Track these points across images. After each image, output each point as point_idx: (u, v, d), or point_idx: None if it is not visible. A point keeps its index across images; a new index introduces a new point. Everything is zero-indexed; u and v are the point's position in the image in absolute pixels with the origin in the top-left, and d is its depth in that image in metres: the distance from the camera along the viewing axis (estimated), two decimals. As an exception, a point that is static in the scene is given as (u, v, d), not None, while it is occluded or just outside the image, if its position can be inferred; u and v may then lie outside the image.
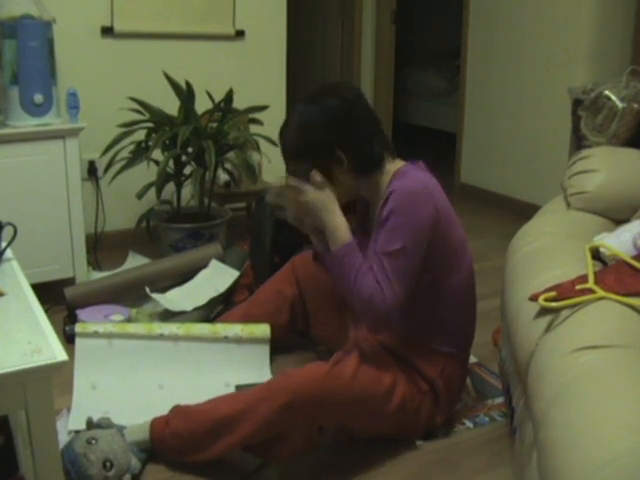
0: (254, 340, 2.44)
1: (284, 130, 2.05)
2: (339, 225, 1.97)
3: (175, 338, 2.40)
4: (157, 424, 1.99)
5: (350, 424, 2.02)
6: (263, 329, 2.46)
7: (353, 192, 2.09)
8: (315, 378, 1.89)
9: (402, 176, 1.98)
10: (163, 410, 2.05)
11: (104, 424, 1.98)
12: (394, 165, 2.05)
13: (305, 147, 2.00)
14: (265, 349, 2.44)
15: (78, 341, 2.36)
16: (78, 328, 2.40)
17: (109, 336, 2.37)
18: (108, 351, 2.35)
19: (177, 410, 2.00)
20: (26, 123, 2.93)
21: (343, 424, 2.01)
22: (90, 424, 1.97)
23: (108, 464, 1.87)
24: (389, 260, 1.90)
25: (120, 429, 1.98)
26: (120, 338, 2.37)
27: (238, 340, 2.43)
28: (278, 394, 1.87)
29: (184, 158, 3.44)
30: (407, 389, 2.04)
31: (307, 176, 1.99)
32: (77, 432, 2.00)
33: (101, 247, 3.63)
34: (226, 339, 2.43)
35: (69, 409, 2.21)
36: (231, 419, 1.89)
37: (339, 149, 1.97)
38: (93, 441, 1.90)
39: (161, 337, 2.39)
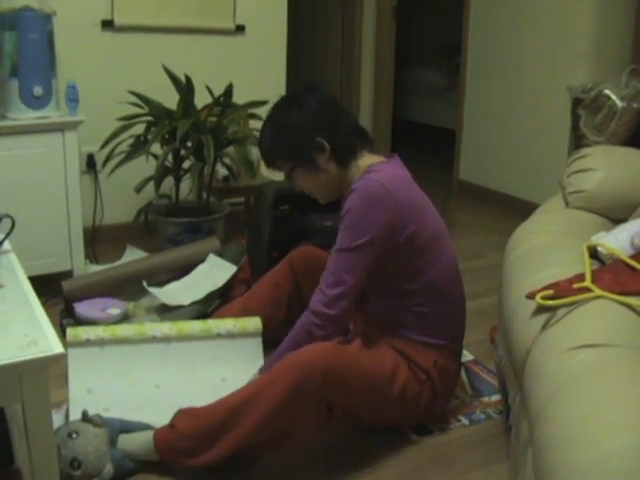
0: (247, 334, 2.44)
1: (262, 138, 2.16)
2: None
3: (167, 339, 2.38)
4: (161, 431, 1.93)
5: (357, 406, 2.00)
6: (255, 322, 2.46)
7: (338, 184, 2.12)
8: (320, 354, 1.88)
9: (366, 175, 2.04)
10: (163, 408, 2.04)
11: (96, 421, 1.94)
12: (369, 160, 2.11)
13: (287, 143, 2.09)
14: (258, 342, 2.44)
15: (69, 350, 2.30)
16: (69, 337, 2.33)
17: (101, 343, 2.33)
18: (101, 357, 2.32)
19: (182, 413, 1.94)
20: (25, 116, 2.93)
21: (351, 405, 1.99)
22: (85, 416, 1.95)
23: (76, 463, 1.84)
24: (337, 258, 2.02)
25: (113, 430, 1.94)
26: (112, 344, 2.34)
27: (231, 336, 2.43)
28: (286, 374, 1.85)
29: (183, 152, 3.44)
30: (407, 376, 2.05)
31: (294, 171, 2.12)
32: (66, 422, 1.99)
33: (99, 240, 3.62)
34: (219, 336, 2.42)
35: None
36: (240, 407, 1.86)
37: (318, 136, 2.06)
38: (74, 435, 1.88)
39: (153, 339, 2.37)
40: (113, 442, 1.93)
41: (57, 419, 2.07)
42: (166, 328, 2.40)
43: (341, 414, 1.99)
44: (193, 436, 1.88)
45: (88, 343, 2.31)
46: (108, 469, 1.88)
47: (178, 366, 2.36)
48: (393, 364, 2.03)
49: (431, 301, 2.11)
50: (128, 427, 1.99)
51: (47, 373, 1.37)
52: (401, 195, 2.02)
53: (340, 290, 2.00)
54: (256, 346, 2.43)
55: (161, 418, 2.00)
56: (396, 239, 2.01)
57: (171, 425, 1.92)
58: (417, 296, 2.10)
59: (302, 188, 2.19)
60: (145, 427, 2.00)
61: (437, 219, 2.14)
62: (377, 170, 2.04)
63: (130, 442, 1.95)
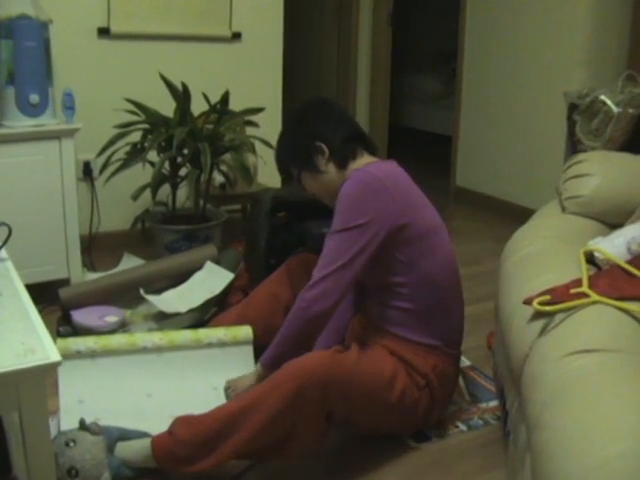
0: (238, 343, 2.43)
1: (276, 146, 2.32)
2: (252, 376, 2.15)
3: (159, 349, 2.37)
4: (159, 438, 1.91)
5: (356, 413, 2.01)
6: (246, 331, 2.45)
7: (339, 185, 2.14)
8: (320, 362, 1.89)
9: (361, 169, 2.09)
10: (155, 417, 2.03)
11: (94, 429, 1.93)
12: (367, 160, 2.18)
13: (291, 146, 2.23)
14: (249, 350, 2.43)
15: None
16: (59, 349, 2.29)
17: (92, 355, 2.30)
18: (92, 368, 2.30)
19: (179, 420, 1.93)
20: (22, 123, 2.93)
21: (350, 413, 1.99)
22: (82, 425, 1.94)
23: (73, 472, 1.83)
24: (328, 241, 2.06)
25: (111, 439, 1.93)
26: (103, 356, 2.31)
27: (222, 345, 2.42)
28: (286, 382, 1.85)
29: (179, 160, 3.44)
30: (406, 382, 2.05)
31: (301, 175, 2.23)
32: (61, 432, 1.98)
33: (96, 248, 3.62)
34: (210, 345, 2.41)
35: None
36: (239, 415, 1.85)
37: (318, 140, 2.16)
38: (71, 443, 1.87)
39: (144, 350, 2.36)
40: (111, 450, 1.92)
41: (52, 426, 2.06)
42: (157, 338, 2.38)
43: (340, 422, 1.99)
44: (191, 443, 1.87)
45: (79, 355, 2.31)
46: (106, 477, 1.87)
47: (170, 375, 2.34)
48: (392, 371, 2.03)
49: (426, 297, 2.11)
50: (126, 435, 1.98)
51: (44, 381, 1.36)
52: (395, 188, 2.05)
53: (326, 271, 2.01)
54: (247, 354, 2.42)
55: (153, 427, 1.99)
56: (389, 229, 2.02)
57: (169, 432, 1.91)
58: (412, 290, 2.10)
59: (311, 192, 2.27)
60: (142, 435, 1.99)
61: (434, 216, 2.15)
62: (370, 167, 2.10)
63: (128, 450, 1.94)
